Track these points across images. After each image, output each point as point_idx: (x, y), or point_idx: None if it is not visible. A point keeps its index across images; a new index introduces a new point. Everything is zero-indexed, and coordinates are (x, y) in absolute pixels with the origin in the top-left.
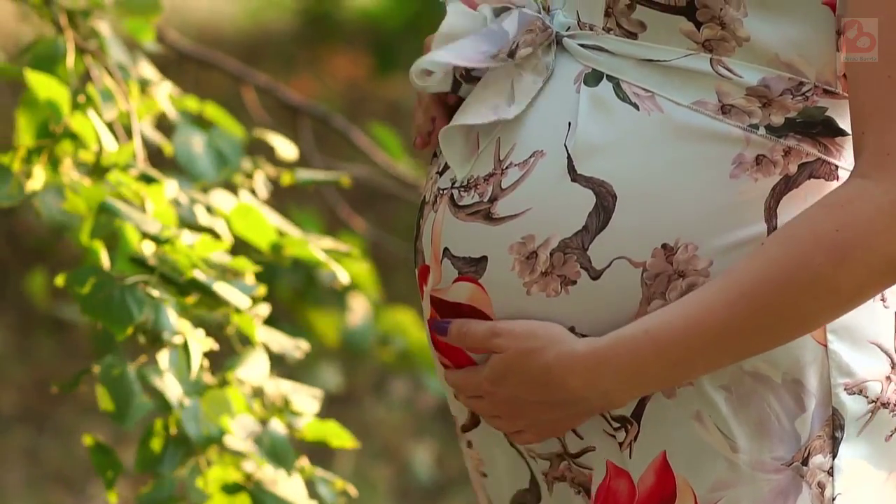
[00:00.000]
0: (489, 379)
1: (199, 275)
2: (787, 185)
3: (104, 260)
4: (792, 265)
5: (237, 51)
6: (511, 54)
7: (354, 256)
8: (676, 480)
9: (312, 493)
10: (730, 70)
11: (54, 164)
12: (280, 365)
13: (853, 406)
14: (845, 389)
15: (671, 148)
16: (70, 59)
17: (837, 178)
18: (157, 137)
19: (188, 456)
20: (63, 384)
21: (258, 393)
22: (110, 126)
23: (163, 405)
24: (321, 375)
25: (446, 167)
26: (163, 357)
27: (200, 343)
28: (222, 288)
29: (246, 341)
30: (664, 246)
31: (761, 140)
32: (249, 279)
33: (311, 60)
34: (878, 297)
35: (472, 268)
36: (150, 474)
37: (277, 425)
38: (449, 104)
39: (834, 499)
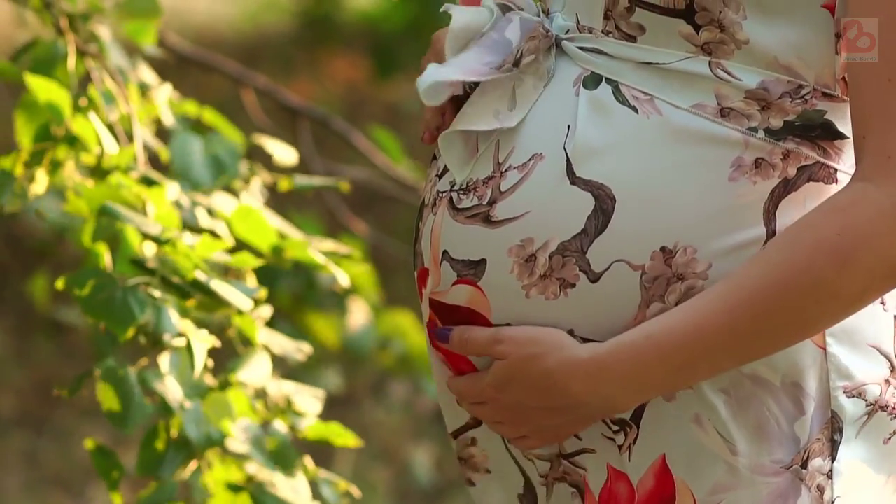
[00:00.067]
0: (492, 385)
1: (201, 275)
2: (785, 188)
3: (106, 262)
4: (794, 269)
5: (236, 53)
6: (516, 63)
7: (355, 259)
8: (676, 483)
9: (315, 493)
10: (729, 73)
11: (55, 166)
12: (280, 368)
13: (852, 409)
14: (844, 392)
15: (670, 151)
16: (71, 62)
17: (836, 182)
18: (155, 143)
19: (189, 458)
20: (65, 388)
21: (260, 394)
22: (111, 129)
23: (163, 408)
24: (321, 378)
25: (445, 170)
26: (164, 360)
27: (204, 341)
28: (224, 289)
29: (247, 343)
30: (663, 249)
31: (760, 143)
32: (251, 281)
33: (310, 63)
34: (878, 300)
35: (471, 270)
36: (151, 477)
37: (280, 426)
38: (458, 98)
39: (833, 502)
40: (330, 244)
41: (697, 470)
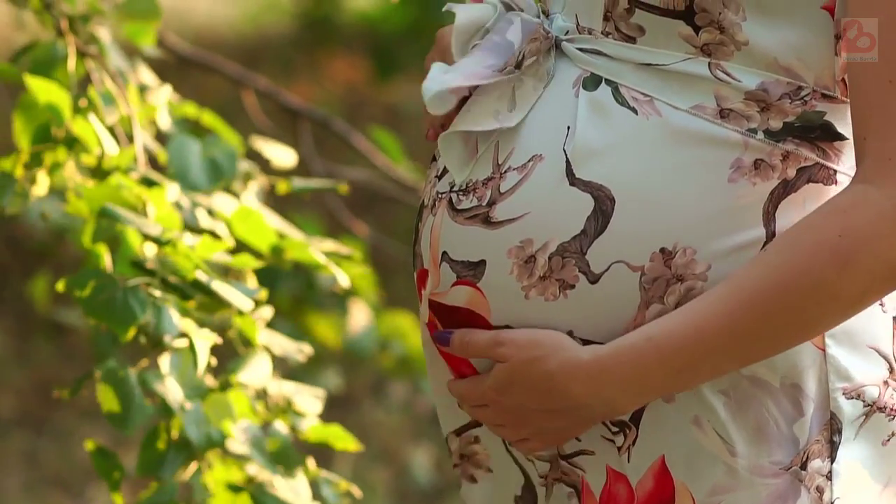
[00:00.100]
0: (493, 388)
1: (202, 276)
2: (785, 189)
3: (106, 263)
4: (794, 271)
5: (236, 55)
6: (518, 65)
7: (355, 260)
8: (675, 485)
9: (316, 494)
10: (728, 74)
11: (55, 168)
12: (279, 368)
13: (850, 410)
14: (843, 394)
15: (669, 152)
16: (71, 63)
17: (836, 183)
18: (154, 145)
19: (190, 459)
20: (65, 389)
21: (261, 395)
22: (111, 130)
23: (164, 409)
24: (321, 378)
25: (445, 171)
26: (164, 361)
27: (206, 339)
28: (224, 289)
29: (248, 344)
30: (662, 250)
31: (760, 144)
32: (251, 282)
33: (310, 64)
34: (877, 301)
35: (470, 271)
36: (152, 478)
37: (281, 427)
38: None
39: (832, 503)
40: (330, 244)
41: (697, 471)
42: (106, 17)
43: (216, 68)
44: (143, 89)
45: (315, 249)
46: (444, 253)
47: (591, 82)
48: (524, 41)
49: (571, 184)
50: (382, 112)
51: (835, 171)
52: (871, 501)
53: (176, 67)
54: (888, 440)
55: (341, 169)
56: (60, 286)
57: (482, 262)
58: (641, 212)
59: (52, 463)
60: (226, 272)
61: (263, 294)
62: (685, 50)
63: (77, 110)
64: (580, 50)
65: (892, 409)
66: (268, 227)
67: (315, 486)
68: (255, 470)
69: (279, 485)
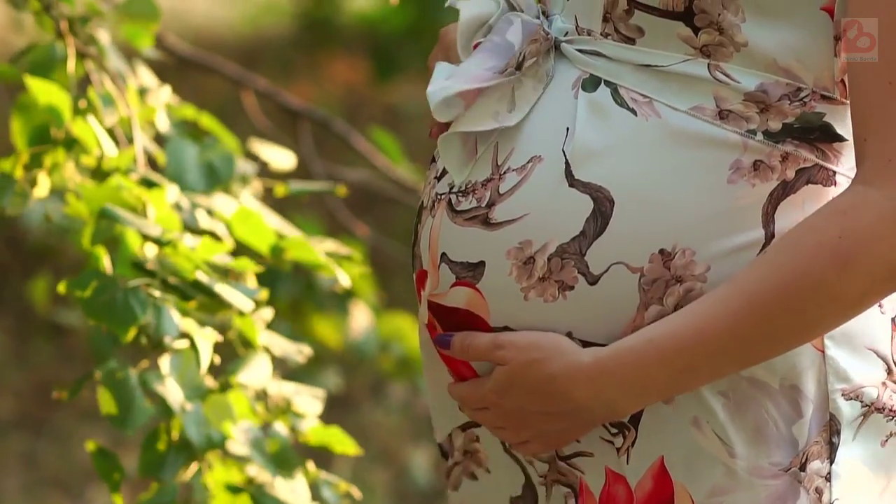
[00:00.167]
0: (494, 391)
1: (202, 276)
2: (784, 190)
3: (106, 264)
4: (795, 273)
5: (235, 56)
6: (518, 67)
7: (355, 260)
8: (674, 486)
9: (315, 495)
10: (727, 75)
11: (55, 169)
12: (279, 369)
13: (849, 411)
14: (842, 395)
15: (669, 153)
16: (71, 65)
17: (835, 184)
18: (152, 147)
19: (190, 460)
20: (65, 390)
21: (261, 396)
22: (110, 131)
23: (164, 410)
24: (320, 378)
25: (444, 172)
26: (164, 362)
27: (208, 338)
28: (225, 290)
29: (248, 345)
30: (662, 251)
31: (759, 145)
32: (251, 283)
33: (310, 65)
34: (877, 303)
35: (469, 273)
36: (153, 479)
37: (281, 428)
38: None
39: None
40: (330, 244)
41: (696, 472)
42: (105, 19)
43: (216, 69)
44: (142, 91)
45: (315, 248)
46: (444, 254)
47: (591, 83)
48: (524, 42)
49: (571, 185)
50: (382, 113)
51: (834, 173)
52: (870, 502)
53: (175, 68)
54: (886, 440)
55: (341, 169)
56: (62, 288)
57: (481, 264)
58: (641, 213)
59: (51, 464)
60: (225, 273)
61: (264, 294)
62: (684, 51)
63: (77, 111)
64: (579, 51)
65: (890, 410)
66: (267, 227)
67: (315, 487)
68: (255, 471)
69: (279, 486)
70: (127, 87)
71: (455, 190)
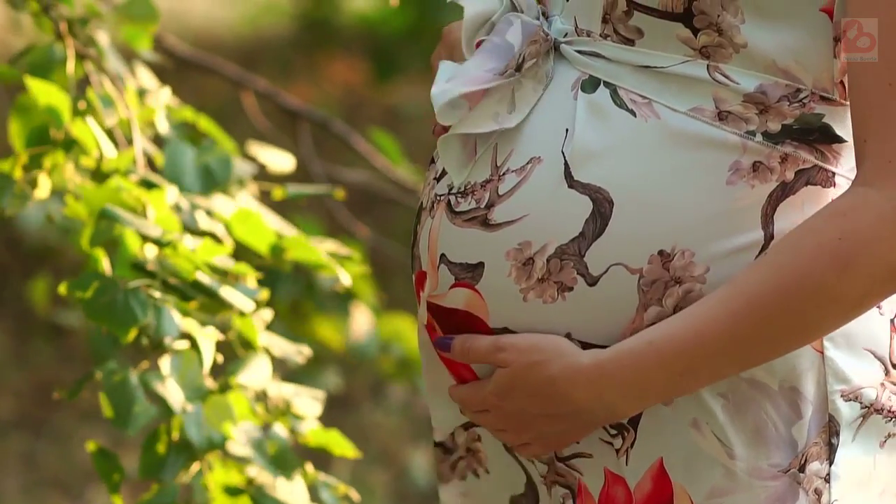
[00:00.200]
0: (494, 393)
1: (203, 277)
2: (783, 191)
3: (105, 266)
4: (795, 274)
5: (235, 57)
6: (518, 68)
7: (354, 260)
8: (673, 487)
9: (314, 497)
10: (727, 76)
11: (54, 170)
12: (279, 369)
13: (849, 413)
14: (842, 396)
15: (668, 155)
16: (70, 66)
17: (834, 185)
18: (151, 148)
19: (191, 461)
20: (66, 391)
21: (261, 397)
22: (110, 133)
23: (165, 411)
24: (320, 378)
25: (444, 173)
26: (165, 362)
27: (210, 338)
28: (226, 291)
29: (247, 346)
30: (661, 252)
31: (758, 147)
32: (252, 283)
33: (309, 66)
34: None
35: (468, 274)
36: (153, 480)
37: (280, 429)
38: None
39: None
40: (330, 245)
41: (695, 474)
42: (104, 21)
43: (216, 70)
44: (141, 92)
45: (315, 248)
46: (443, 255)
47: (590, 85)
48: (524, 43)
49: (570, 186)
50: (381, 114)
51: (833, 174)
52: (870, 500)
53: (175, 70)
54: (885, 441)
55: (340, 170)
56: (62, 289)
57: (480, 265)
58: (640, 214)
59: (51, 465)
60: (224, 274)
61: (265, 294)
62: (683, 52)
63: (76, 112)
64: (579, 52)
65: (889, 411)
66: (267, 227)
67: (313, 489)
68: (255, 472)
69: (278, 488)
70: (126, 89)
71: (454, 191)
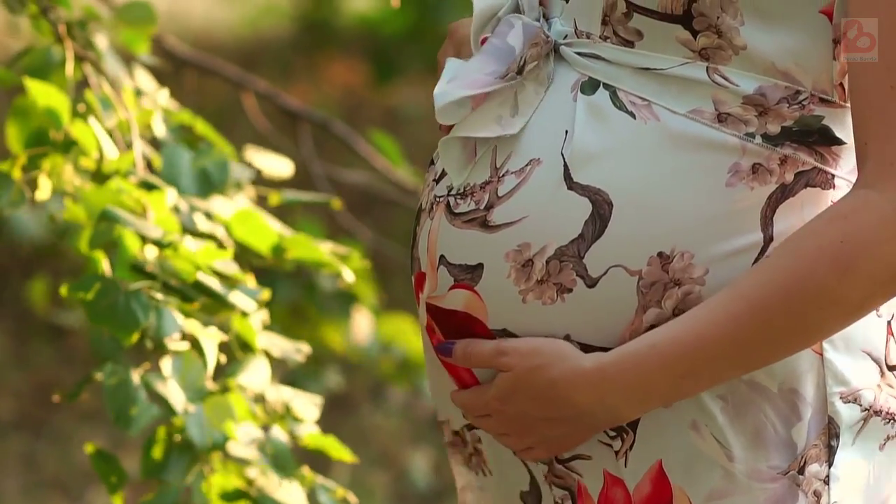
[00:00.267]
0: (497, 397)
1: (204, 278)
2: (783, 193)
3: (105, 267)
4: (796, 277)
5: (235, 58)
6: (520, 71)
7: (354, 260)
8: (672, 489)
9: (313, 500)
10: (726, 78)
11: (53, 171)
12: (279, 370)
13: (848, 414)
14: (841, 398)
15: (667, 156)
16: (69, 68)
17: (834, 187)
18: (149, 151)
19: (193, 462)
20: (66, 393)
21: (259, 399)
22: (109, 135)
23: (167, 411)
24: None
25: (443, 174)
26: (166, 363)
27: (213, 338)
28: (227, 292)
29: (246, 348)
30: (660, 254)
31: (757, 149)
32: (253, 284)
33: (309, 67)
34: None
35: (468, 275)
36: (156, 481)
37: (279, 432)
38: None
39: None
40: (329, 245)
41: (694, 476)
42: (102, 23)
43: (216, 71)
44: (140, 94)
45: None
46: (442, 256)
47: (589, 86)
48: (525, 46)
49: (569, 188)
50: (381, 115)
51: (833, 176)
52: (870, 501)
53: (175, 71)
54: (884, 444)
55: (341, 171)
56: (64, 291)
57: (480, 266)
58: (639, 216)
59: (50, 466)
60: (225, 276)
61: (266, 294)
62: (683, 54)
63: (75, 114)
64: (578, 54)
65: (887, 413)
66: (268, 227)
67: (312, 492)
68: (256, 473)
69: (280, 489)
70: (123, 91)
71: (454, 192)
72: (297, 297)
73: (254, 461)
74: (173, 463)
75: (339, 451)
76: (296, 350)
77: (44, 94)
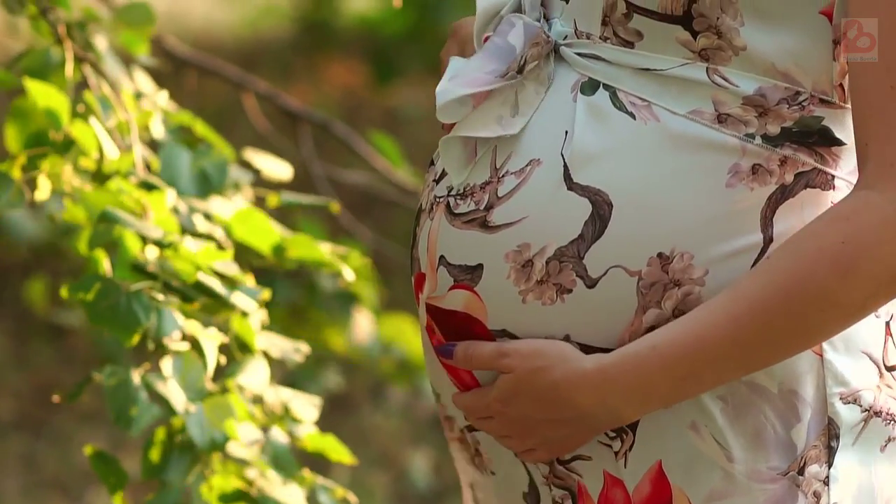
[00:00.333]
0: (498, 399)
1: (204, 278)
2: (783, 194)
3: (106, 267)
4: (797, 278)
5: (235, 59)
6: (520, 70)
7: (353, 260)
8: (672, 490)
9: (313, 500)
10: (726, 79)
11: (53, 172)
12: (279, 370)
13: (848, 415)
14: (840, 399)
15: (667, 157)
16: (69, 69)
17: (834, 188)
18: (148, 152)
19: (194, 462)
20: (66, 394)
21: (258, 400)
22: (109, 133)
23: (168, 411)
24: (320, 379)
25: (443, 175)
26: (167, 363)
27: (213, 339)
28: (228, 292)
29: (245, 349)
30: (660, 255)
31: (757, 149)
32: (252, 284)
33: (309, 68)
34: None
35: (467, 276)
36: (156, 481)
37: (278, 434)
38: None
39: None
40: (328, 246)
41: (694, 476)
42: (102, 25)
43: (216, 72)
44: (139, 96)
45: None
46: (442, 257)
47: (589, 87)
48: (526, 45)
49: (569, 188)
50: (381, 116)
51: (833, 177)
52: (870, 502)
53: (175, 71)
54: (885, 446)
55: (341, 172)
56: (64, 293)
57: (479, 266)
58: (639, 216)
59: (50, 466)
60: (225, 277)
61: (266, 294)
62: (683, 55)
63: (75, 115)
64: (578, 55)
65: (887, 414)
66: (269, 225)
67: (312, 492)
68: (256, 474)
69: (279, 490)
70: (122, 92)
71: (453, 193)
72: (297, 297)
73: (254, 462)
74: (174, 463)
75: (338, 451)
76: (295, 350)
77: (43, 94)
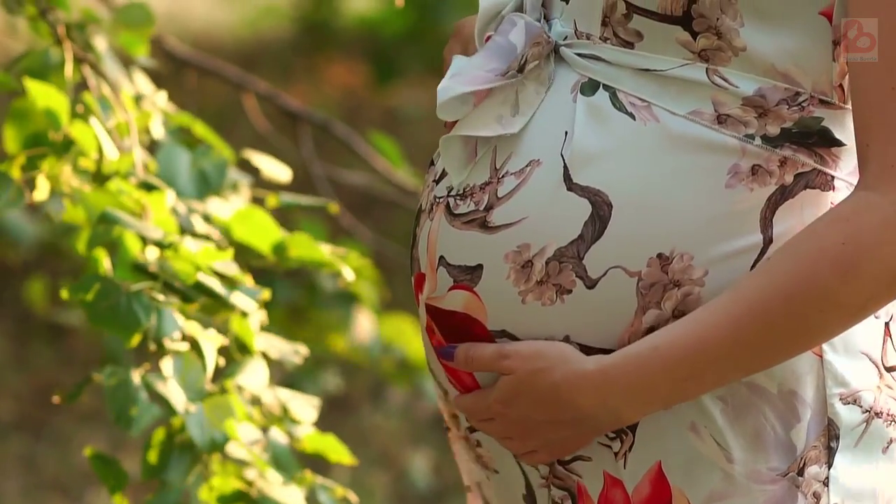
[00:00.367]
0: (499, 401)
1: (204, 278)
2: (782, 195)
3: (106, 267)
4: (798, 279)
5: (235, 59)
6: (521, 69)
7: (353, 260)
8: (672, 491)
9: (313, 500)
10: (726, 80)
11: (52, 172)
12: (278, 370)
13: (848, 416)
14: (840, 399)
15: (667, 158)
16: (68, 70)
17: (833, 189)
18: (146, 154)
19: (195, 462)
20: (65, 394)
21: (256, 401)
22: (108, 134)
23: (168, 412)
24: (319, 380)
25: (443, 175)
26: (167, 364)
27: (212, 340)
28: (228, 292)
29: (244, 350)
30: (660, 255)
31: (757, 150)
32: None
33: (309, 69)
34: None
35: (467, 276)
36: (157, 481)
37: (278, 434)
38: None
39: None
40: (328, 247)
41: (694, 477)
42: (101, 25)
43: (216, 72)
44: (139, 97)
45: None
46: (442, 257)
47: (589, 87)
48: (527, 44)
49: (569, 189)
50: (381, 116)
51: (832, 177)
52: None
53: (175, 71)
54: (887, 447)
55: (341, 172)
56: (64, 293)
57: (479, 267)
58: (639, 217)
59: (50, 467)
60: (225, 277)
61: (266, 295)
62: (683, 55)
63: (74, 115)
64: (578, 55)
65: (888, 414)
66: (270, 224)
67: (312, 492)
68: (255, 475)
69: (279, 490)
70: (121, 92)
71: (453, 193)
72: (297, 297)
73: (253, 462)
74: (174, 464)
75: (338, 451)
76: (294, 352)
77: (43, 95)
